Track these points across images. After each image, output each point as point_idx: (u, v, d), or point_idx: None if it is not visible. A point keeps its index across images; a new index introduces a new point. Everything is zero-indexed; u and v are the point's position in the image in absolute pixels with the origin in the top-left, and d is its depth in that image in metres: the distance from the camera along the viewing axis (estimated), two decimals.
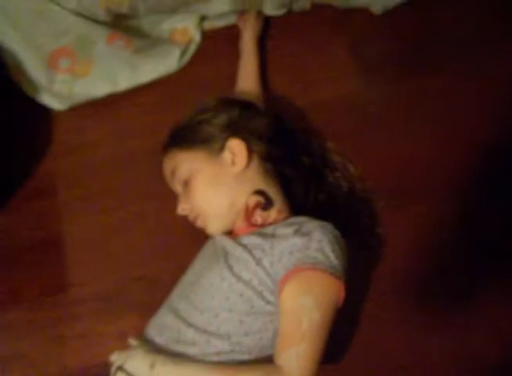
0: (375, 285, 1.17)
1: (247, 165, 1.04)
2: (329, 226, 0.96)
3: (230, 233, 1.06)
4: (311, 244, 0.91)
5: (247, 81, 1.26)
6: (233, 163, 1.04)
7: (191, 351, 0.92)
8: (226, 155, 1.05)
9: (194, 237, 1.11)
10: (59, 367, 1.14)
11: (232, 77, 1.27)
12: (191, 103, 1.13)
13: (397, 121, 1.28)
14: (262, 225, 1.02)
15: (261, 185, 1.05)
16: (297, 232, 0.94)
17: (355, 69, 1.33)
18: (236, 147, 1.04)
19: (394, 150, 1.26)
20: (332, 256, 0.91)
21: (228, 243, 1.00)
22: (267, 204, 1.04)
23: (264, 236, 0.97)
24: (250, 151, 1.05)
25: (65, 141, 1.30)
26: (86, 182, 1.27)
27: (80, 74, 1.26)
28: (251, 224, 1.03)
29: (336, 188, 1.15)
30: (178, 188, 1.09)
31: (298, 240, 0.92)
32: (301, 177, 1.12)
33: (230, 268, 0.95)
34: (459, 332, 1.14)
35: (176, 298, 1.02)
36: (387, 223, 1.18)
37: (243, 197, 1.04)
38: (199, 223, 1.07)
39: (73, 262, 1.21)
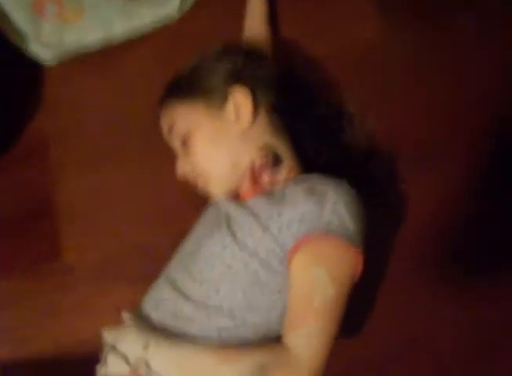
0: (392, 252, 1.06)
1: (253, 119, 0.93)
2: (345, 185, 0.85)
3: (236, 198, 0.95)
4: (325, 205, 0.80)
5: (255, 26, 1.12)
6: (237, 117, 0.92)
7: (190, 328, 0.83)
8: (229, 108, 0.93)
9: (195, 202, 1.01)
10: (51, 341, 1.05)
11: (239, 25, 1.13)
12: (193, 55, 1.00)
13: (419, 72, 1.14)
14: (271, 186, 0.91)
15: (268, 140, 0.93)
16: (308, 193, 0.82)
17: (375, 14, 1.18)
18: (240, 98, 0.92)
19: (416, 104, 1.13)
20: (348, 220, 0.80)
21: (231, 207, 0.89)
22: (276, 163, 0.92)
23: (271, 198, 0.86)
24: (256, 103, 0.93)
25: (56, 97, 1.18)
26: (79, 143, 1.15)
27: (70, 20, 1.13)
28: (259, 186, 0.92)
29: (352, 143, 1.03)
30: (176, 147, 0.98)
31: (310, 206, 0.80)
32: (313, 131, 0.99)
33: (233, 235, 0.84)
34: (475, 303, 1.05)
35: (174, 268, 0.92)
36: (409, 183, 1.07)
37: (249, 155, 0.92)
38: (200, 186, 0.96)
39: (65, 229, 1.11)
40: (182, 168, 0.97)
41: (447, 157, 1.10)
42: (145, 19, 1.16)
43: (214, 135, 0.93)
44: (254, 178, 0.92)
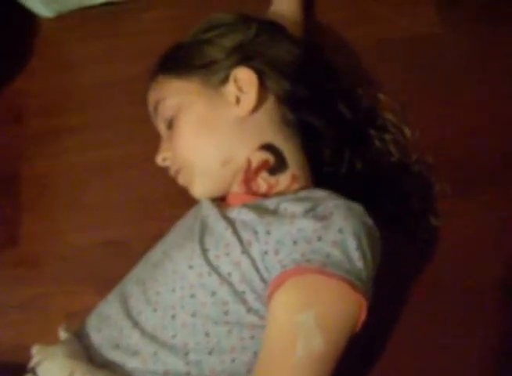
0: (414, 295, 0.84)
1: (257, 106, 0.74)
2: (358, 209, 0.65)
3: (223, 200, 0.77)
4: (326, 232, 0.60)
5: (285, 2, 0.93)
6: (237, 101, 0.74)
7: (130, 362, 0.64)
8: (229, 89, 0.74)
9: (181, 197, 0.82)
10: None
11: None
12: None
13: (479, 73, 0.93)
14: (265, 195, 0.72)
15: (273, 137, 0.74)
16: (309, 211, 0.63)
17: (434, 4, 0.97)
18: (244, 79, 0.74)
19: (468, 115, 0.91)
20: (356, 255, 0.60)
21: (210, 212, 0.70)
22: (277, 166, 0.73)
23: (261, 210, 0.67)
24: (263, 87, 0.74)
25: (45, 57, 1.02)
26: (61, 112, 0.98)
27: None
28: (251, 191, 0.73)
29: (381, 155, 0.83)
30: (161, 129, 0.80)
31: (308, 224, 0.61)
32: (333, 133, 0.79)
33: (204, 252, 0.65)
34: None
35: (131, 280, 0.74)
36: (447, 213, 0.85)
37: (245, 150, 0.73)
38: (181, 180, 0.78)
39: (30, 211, 0.94)
40: (164, 154, 0.79)
41: (495, 184, 0.89)
42: None
43: (206, 119, 0.74)
44: (247, 180, 0.73)
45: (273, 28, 0.80)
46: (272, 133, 0.74)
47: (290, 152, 0.74)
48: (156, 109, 0.79)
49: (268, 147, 0.73)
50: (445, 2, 0.96)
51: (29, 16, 1.02)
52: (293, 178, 0.73)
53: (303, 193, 0.70)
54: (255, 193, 0.72)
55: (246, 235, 0.64)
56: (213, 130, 0.74)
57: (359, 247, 0.61)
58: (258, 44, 0.76)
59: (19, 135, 0.98)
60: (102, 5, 1.01)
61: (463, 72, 0.92)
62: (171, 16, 1.00)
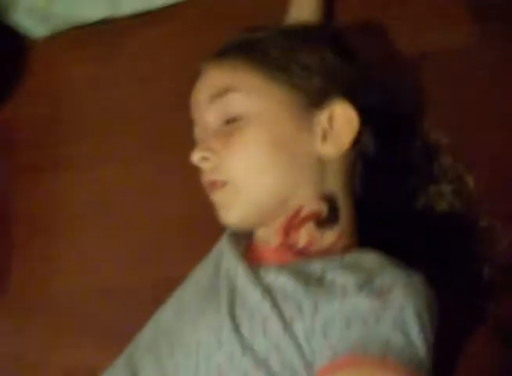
0: None
1: (342, 154, 0.63)
2: (417, 280, 0.54)
3: (250, 258, 0.62)
4: (385, 313, 0.50)
5: (305, 7, 0.82)
6: (324, 138, 0.63)
7: None
8: (322, 120, 0.62)
9: (188, 237, 0.77)
10: None
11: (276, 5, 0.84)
12: (217, 39, 0.68)
13: None
14: (302, 251, 0.61)
15: (337, 189, 0.63)
16: (363, 286, 0.52)
17: (469, 19, 0.87)
18: (341, 118, 0.62)
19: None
20: (419, 341, 0.49)
21: (240, 272, 0.58)
22: (328, 220, 0.62)
23: (304, 278, 0.55)
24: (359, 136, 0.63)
25: (38, 82, 0.92)
26: (55, 143, 0.89)
27: None
28: (287, 242, 0.62)
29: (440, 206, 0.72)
30: (211, 120, 0.64)
31: (363, 302, 0.51)
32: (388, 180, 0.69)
33: (236, 327, 0.54)
34: None
35: (141, 348, 0.63)
36: None
37: (306, 194, 0.62)
38: (217, 195, 0.64)
39: (21, 253, 0.84)
40: (205, 154, 0.63)
41: None
42: None
43: (285, 142, 0.62)
44: (289, 228, 0.62)
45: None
46: (338, 185, 0.63)
47: (345, 207, 0.63)
48: (219, 95, 0.63)
49: (328, 199, 0.62)
50: (481, 19, 0.85)
51: (18, 38, 0.93)
52: (341, 235, 0.62)
53: (351, 258, 0.58)
54: (291, 247, 0.61)
55: (288, 310, 0.53)
56: (288, 158, 0.62)
57: (422, 329, 0.50)
58: (365, 86, 0.65)
59: (9, 168, 0.89)
60: (98, 22, 0.91)
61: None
62: (177, 31, 0.90)
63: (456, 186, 0.72)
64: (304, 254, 0.61)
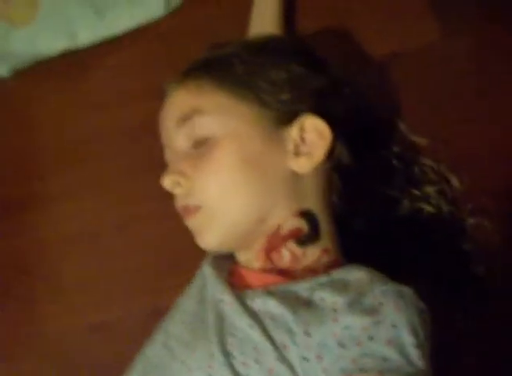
0: None
1: (316, 168, 0.62)
2: (408, 293, 0.53)
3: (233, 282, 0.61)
4: (378, 329, 0.49)
5: (266, 16, 0.81)
6: (296, 153, 0.61)
7: None
8: (292, 135, 0.61)
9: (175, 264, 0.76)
10: None
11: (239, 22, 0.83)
12: (182, 62, 0.67)
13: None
14: (287, 270, 0.60)
15: (315, 204, 0.62)
16: (353, 304, 0.51)
17: (435, 15, 0.86)
18: (313, 132, 0.61)
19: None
20: (415, 354, 0.48)
21: (227, 299, 0.57)
22: (309, 237, 0.60)
23: (292, 300, 0.54)
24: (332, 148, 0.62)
25: (5, 120, 0.90)
26: (27, 180, 0.87)
27: (18, 20, 0.85)
28: (269, 262, 0.60)
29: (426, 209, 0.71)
30: (181, 144, 0.62)
31: (355, 321, 0.50)
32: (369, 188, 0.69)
33: (227, 357, 0.53)
34: None
35: None
36: None
37: (282, 212, 0.61)
38: (192, 221, 0.62)
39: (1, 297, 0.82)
40: (176, 178, 0.61)
41: None
42: (121, 17, 0.87)
43: (257, 160, 0.60)
44: (270, 248, 0.60)
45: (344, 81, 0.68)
46: (315, 199, 0.62)
47: (325, 222, 0.62)
48: (186, 119, 0.61)
49: (306, 215, 0.61)
50: (446, 14, 0.85)
51: None
52: (324, 251, 0.61)
53: (338, 274, 0.56)
54: (274, 268, 0.60)
55: (279, 336, 0.52)
56: (261, 176, 0.60)
57: (417, 342, 0.48)
58: (335, 95, 0.64)
59: None
60: (60, 56, 0.89)
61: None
62: (137, 58, 0.89)
63: (440, 186, 0.71)
64: (288, 273, 0.59)
